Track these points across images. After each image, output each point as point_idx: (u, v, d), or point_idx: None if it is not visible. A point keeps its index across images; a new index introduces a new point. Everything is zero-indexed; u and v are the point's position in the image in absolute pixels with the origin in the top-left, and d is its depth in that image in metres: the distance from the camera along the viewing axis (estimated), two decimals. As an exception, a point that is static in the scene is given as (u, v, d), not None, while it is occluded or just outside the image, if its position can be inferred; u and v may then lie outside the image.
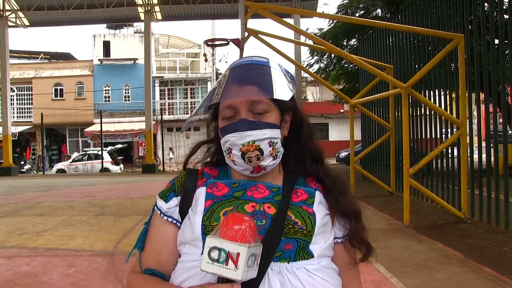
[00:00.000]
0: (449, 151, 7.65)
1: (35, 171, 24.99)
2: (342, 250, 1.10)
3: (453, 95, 7.23)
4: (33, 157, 29.00)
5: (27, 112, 30.88)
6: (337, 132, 31.18)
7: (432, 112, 8.07)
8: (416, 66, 8.51)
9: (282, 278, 0.95)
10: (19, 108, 30.89)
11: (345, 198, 1.10)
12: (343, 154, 22.59)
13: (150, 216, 1.14)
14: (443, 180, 7.72)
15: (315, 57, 16.59)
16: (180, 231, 1.06)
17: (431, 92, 8.20)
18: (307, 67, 16.01)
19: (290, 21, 15.79)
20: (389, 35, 10.03)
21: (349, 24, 13.52)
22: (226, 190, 1.07)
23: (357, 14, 15.29)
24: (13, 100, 28.87)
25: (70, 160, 23.67)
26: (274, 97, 0.99)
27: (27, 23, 20.44)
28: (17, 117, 30.06)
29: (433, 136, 8.15)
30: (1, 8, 19.14)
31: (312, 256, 1.00)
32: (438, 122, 8.04)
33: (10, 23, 19.76)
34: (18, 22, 20.12)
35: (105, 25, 30.63)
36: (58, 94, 30.65)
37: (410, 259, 4.73)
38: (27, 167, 24.62)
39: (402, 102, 6.82)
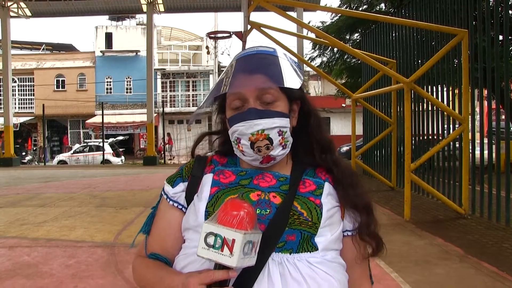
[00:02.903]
0: (451, 147, 7.63)
1: (36, 162, 25.03)
2: (351, 244, 1.08)
3: (456, 91, 7.20)
4: (34, 148, 29.07)
5: (28, 103, 30.89)
6: (339, 127, 31.15)
7: (435, 107, 8.04)
8: (419, 61, 8.47)
9: (283, 269, 0.94)
10: (21, 99, 30.91)
11: (355, 191, 1.08)
12: (344, 148, 22.56)
13: (158, 201, 1.15)
14: (444, 176, 7.71)
15: (318, 51, 16.53)
16: (185, 216, 1.07)
17: (434, 87, 8.17)
18: (309, 61, 15.97)
19: (293, 14, 15.73)
20: (392, 30, 9.98)
21: (352, 18, 13.45)
22: (233, 178, 1.07)
23: (360, 8, 15.22)
24: (15, 91, 28.89)
25: (71, 151, 23.68)
26: (284, 86, 0.99)
27: (29, 13, 20.36)
28: (19, 108, 30.09)
29: (435, 132, 8.13)
30: (3, -2, 19.08)
31: (316, 249, 0.98)
32: (441, 118, 8.01)
33: (12, 14, 19.69)
34: (20, 12, 20.04)
35: (107, 16, 30.53)
36: (60, 86, 30.65)
37: (410, 254, 4.73)
38: (28, 158, 24.66)
39: (405, 97, 6.79)
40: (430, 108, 8.39)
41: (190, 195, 1.08)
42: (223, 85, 1.00)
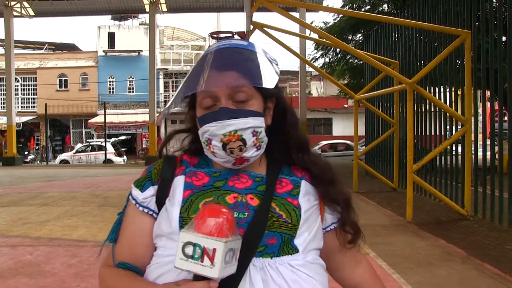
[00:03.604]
0: (453, 148, 7.62)
1: (38, 161, 25.12)
2: (334, 237, 1.07)
3: (459, 92, 7.19)
4: (37, 148, 29.15)
5: (31, 102, 30.97)
6: (341, 127, 31.14)
7: (437, 108, 8.03)
8: (422, 62, 8.46)
9: (264, 274, 0.90)
10: (24, 98, 30.97)
11: (335, 187, 1.06)
12: (346, 149, 22.57)
13: (125, 206, 1.06)
14: (447, 177, 7.70)
15: (320, 52, 16.53)
16: (157, 223, 1.00)
17: (437, 88, 8.16)
18: (312, 61, 15.97)
19: (296, 14, 15.73)
20: (395, 31, 9.97)
21: (355, 19, 13.44)
22: (206, 180, 1.01)
23: (363, 9, 15.22)
24: (18, 91, 28.94)
25: (74, 151, 23.75)
26: (259, 84, 0.92)
27: (32, 13, 20.42)
28: (22, 107, 30.16)
29: (438, 133, 8.11)
30: (7, -2, 19.14)
31: (297, 251, 0.94)
32: (443, 119, 8.00)
33: (15, 13, 19.76)
34: (23, 12, 20.10)
35: (110, 16, 30.59)
36: (63, 85, 30.74)
37: (412, 256, 4.72)
38: (31, 157, 24.75)
39: (407, 98, 6.78)
40: (432, 109, 8.38)
41: (161, 199, 1.01)
42: (194, 82, 0.94)
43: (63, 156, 24.03)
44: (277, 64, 1.01)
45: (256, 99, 0.98)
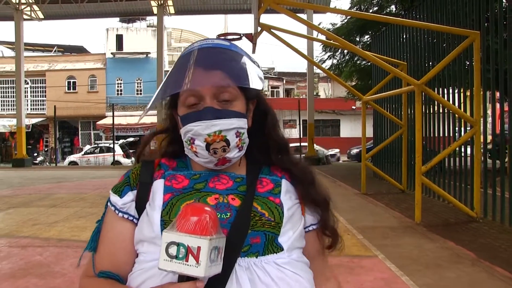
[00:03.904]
0: (462, 149, 7.58)
1: (47, 163, 25.28)
2: (315, 238, 1.07)
3: (468, 93, 7.15)
4: (45, 149, 29.36)
5: (40, 104, 31.20)
6: (349, 129, 31.08)
7: (446, 110, 7.99)
8: (430, 63, 8.42)
9: (251, 274, 0.89)
10: (33, 100, 31.22)
11: (315, 188, 1.06)
12: (354, 151, 22.55)
13: (103, 214, 1.05)
14: (456, 179, 7.65)
15: (328, 53, 16.50)
16: (138, 228, 0.98)
17: (445, 89, 8.12)
18: (319, 63, 15.95)
19: (303, 16, 15.72)
20: (403, 32, 9.94)
21: (362, 20, 13.41)
22: (186, 182, 0.99)
23: (370, 10, 15.17)
24: (27, 93, 29.18)
25: (82, 152, 23.89)
26: (245, 85, 0.92)
27: (41, 16, 20.62)
28: (31, 109, 30.39)
29: (446, 134, 8.07)
30: (17, 1, 19.32)
31: (282, 249, 0.94)
32: (452, 120, 7.95)
33: (25, 16, 19.94)
34: (33, 15, 20.30)
35: (118, 18, 30.77)
36: (71, 87, 30.96)
37: (421, 258, 4.69)
38: (40, 158, 24.92)
39: (415, 100, 6.75)
40: (441, 111, 8.34)
41: (140, 204, 0.99)
42: (178, 80, 0.92)
43: (72, 157, 24.18)
44: (259, 66, 1.01)
45: (240, 100, 0.98)
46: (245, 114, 0.99)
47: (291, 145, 1.15)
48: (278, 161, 1.07)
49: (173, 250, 0.76)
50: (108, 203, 1.03)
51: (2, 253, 5.01)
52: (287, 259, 0.94)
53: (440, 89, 8.17)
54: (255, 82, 0.93)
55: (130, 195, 1.00)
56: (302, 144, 19.63)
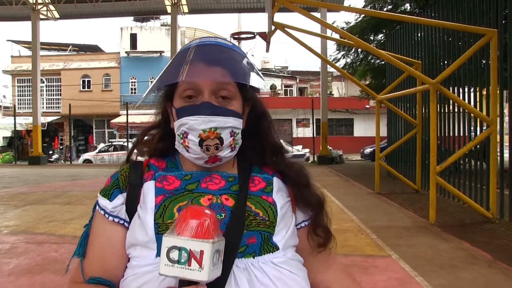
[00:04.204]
0: (478, 149, 7.48)
1: (62, 161, 25.58)
2: (303, 236, 1.05)
3: (484, 92, 7.05)
4: (60, 147, 29.72)
5: (55, 103, 31.58)
6: (362, 128, 30.90)
7: (461, 109, 7.90)
8: (445, 62, 8.33)
9: (249, 274, 0.88)
10: (48, 99, 31.62)
11: (309, 190, 1.06)
12: (368, 150, 22.42)
13: (91, 218, 1.02)
14: (471, 179, 7.56)
15: (342, 52, 16.43)
16: (129, 231, 0.95)
17: (461, 88, 8.02)
18: (333, 62, 15.88)
19: (317, 15, 15.67)
20: (418, 30, 9.84)
21: (377, 19, 13.31)
22: (178, 183, 0.97)
23: (385, 9, 15.06)
24: (43, 91, 29.57)
25: (96, 150, 24.13)
26: (246, 82, 0.92)
27: (57, 15, 20.86)
28: (46, 107, 30.78)
29: (462, 134, 7.97)
30: (34, 2, 19.57)
31: (277, 248, 0.93)
32: (467, 120, 7.86)
33: (41, 16, 20.20)
34: (49, 14, 20.55)
35: (132, 17, 30.99)
36: (86, 86, 31.28)
37: (435, 258, 4.65)
38: (55, 156, 25.24)
39: (430, 99, 6.68)
40: (456, 110, 8.25)
41: (131, 207, 0.96)
42: (176, 72, 0.91)
43: (86, 155, 24.43)
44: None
45: (237, 99, 0.97)
46: (241, 115, 0.98)
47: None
48: (273, 163, 1.07)
49: (174, 254, 0.74)
50: (97, 207, 1.00)
51: (19, 249, 5.09)
52: (284, 258, 0.93)
53: (456, 88, 8.07)
54: (255, 80, 0.93)
55: (120, 198, 0.98)
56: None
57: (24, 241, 5.46)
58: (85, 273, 0.96)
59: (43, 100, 29.51)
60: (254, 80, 0.93)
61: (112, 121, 28.97)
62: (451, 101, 8.20)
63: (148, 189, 0.97)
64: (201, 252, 0.73)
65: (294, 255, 0.98)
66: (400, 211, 7.32)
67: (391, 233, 5.78)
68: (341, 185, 11.27)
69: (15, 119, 22.70)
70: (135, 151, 1.11)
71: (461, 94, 7.86)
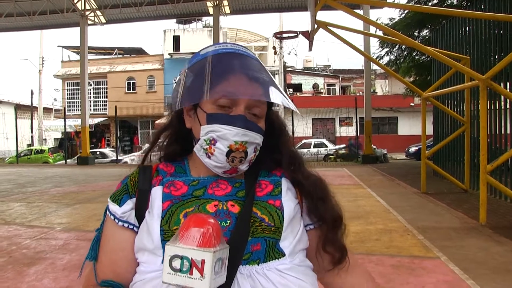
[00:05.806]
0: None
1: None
2: (316, 236, 1.02)
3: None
4: (107, 148, 30.64)
5: (102, 105, 32.64)
6: (407, 127, 30.14)
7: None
8: (496, 57, 7.99)
9: (253, 282, 0.87)
10: (95, 101, 32.72)
11: (325, 204, 1.02)
12: (413, 149, 21.87)
13: (102, 222, 1.03)
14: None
15: (385, 49, 16.08)
16: (138, 237, 0.96)
17: (512, 84, 7.68)
18: (377, 59, 15.57)
19: (360, 12, 15.41)
20: (465, 24, 9.50)
21: (421, 14, 12.94)
22: (185, 189, 0.97)
23: (430, 3, 14.62)
24: (90, 94, 30.62)
25: (141, 151, 24.66)
26: (287, 105, 0.93)
27: (103, 20, 21.56)
28: (94, 109, 31.87)
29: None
30: (83, 8, 20.35)
31: (284, 255, 0.92)
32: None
33: (89, 22, 20.95)
34: (96, 20, 21.27)
35: (175, 20, 31.58)
36: (131, 88, 32.14)
37: (487, 261, 4.47)
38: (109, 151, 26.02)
39: (480, 95, 6.43)
40: (508, 106, 7.90)
41: (140, 212, 0.97)
42: (217, 84, 0.91)
43: (132, 156, 25.08)
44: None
45: (263, 118, 0.99)
46: (264, 132, 0.99)
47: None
48: (290, 173, 1.05)
49: (176, 263, 0.75)
50: (107, 212, 1.01)
51: (71, 246, 5.31)
52: (289, 264, 0.92)
53: (507, 84, 7.73)
54: (290, 103, 0.94)
55: (130, 203, 0.99)
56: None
57: (75, 238, 5.69)
58: (98, 276, 0.98)
59: (90, 102, 30.60)
60: (290, 102, 0.94)
61: (156, 122, 29.58)
62: (502, 97, 7.86)
63: (156, 195, 0.97)
64: (203, 261, 0.74)
65: (302, 261, 0.96)
66: (448, 211, 7.09)
67: (439, 234, 5.61)
68: (386, 184, 11.03)
69: (65, 121, 23.60)
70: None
71: (513, 90, 7.52)
